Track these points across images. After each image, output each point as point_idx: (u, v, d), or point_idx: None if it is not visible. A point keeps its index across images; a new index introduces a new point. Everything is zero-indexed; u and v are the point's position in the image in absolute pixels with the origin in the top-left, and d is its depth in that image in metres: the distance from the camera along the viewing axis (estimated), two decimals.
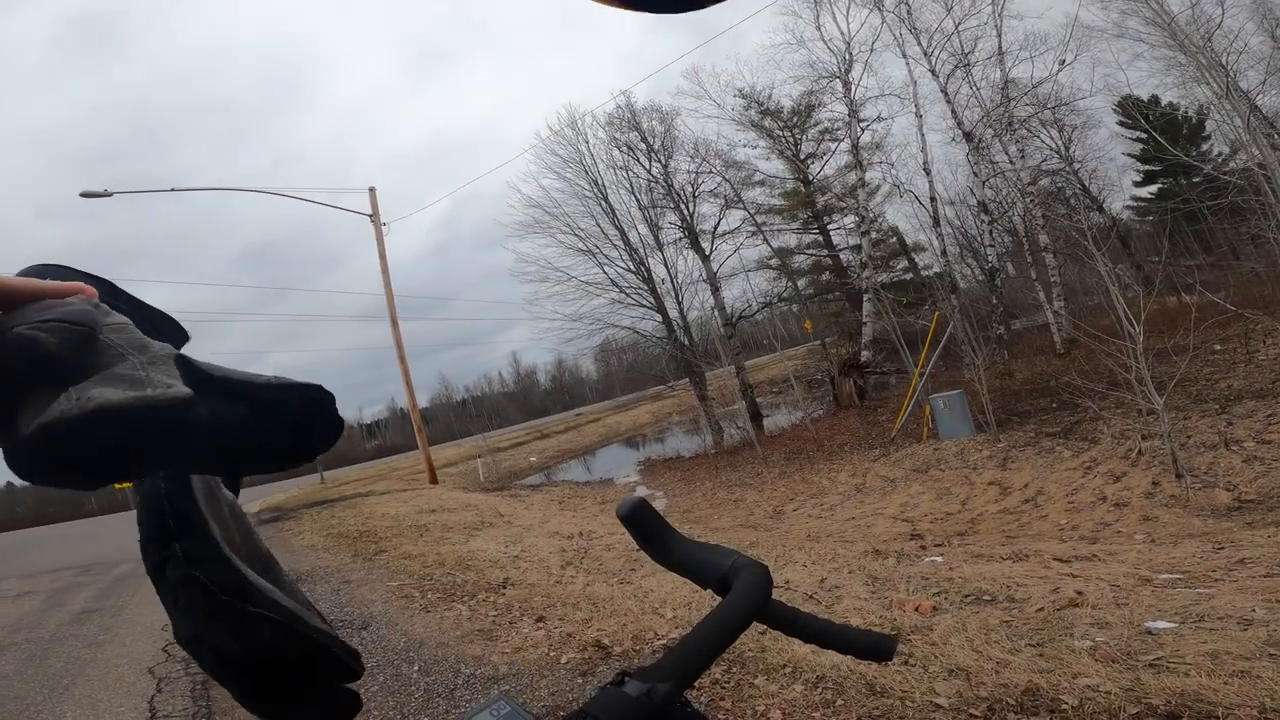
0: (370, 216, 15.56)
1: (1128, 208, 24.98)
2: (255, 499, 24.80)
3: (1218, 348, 9.49)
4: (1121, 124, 21.50)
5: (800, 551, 5.85)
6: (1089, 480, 6.71)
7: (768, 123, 18.50)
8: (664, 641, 3.36)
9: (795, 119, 18.47)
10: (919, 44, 15.26)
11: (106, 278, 0.51)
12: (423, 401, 16.18)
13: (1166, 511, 5.49)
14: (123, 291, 0.50)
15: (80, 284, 0.47)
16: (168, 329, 0.51)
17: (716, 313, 17.63)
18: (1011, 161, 15.69)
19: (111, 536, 16.74)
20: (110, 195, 12.86)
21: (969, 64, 15.09)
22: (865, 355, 16.08)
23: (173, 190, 16.31)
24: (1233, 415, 6.95)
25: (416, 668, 3.61)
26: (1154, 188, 24.22)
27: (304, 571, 6.93)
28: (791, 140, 19.06)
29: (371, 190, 15.74)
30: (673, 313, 17.31)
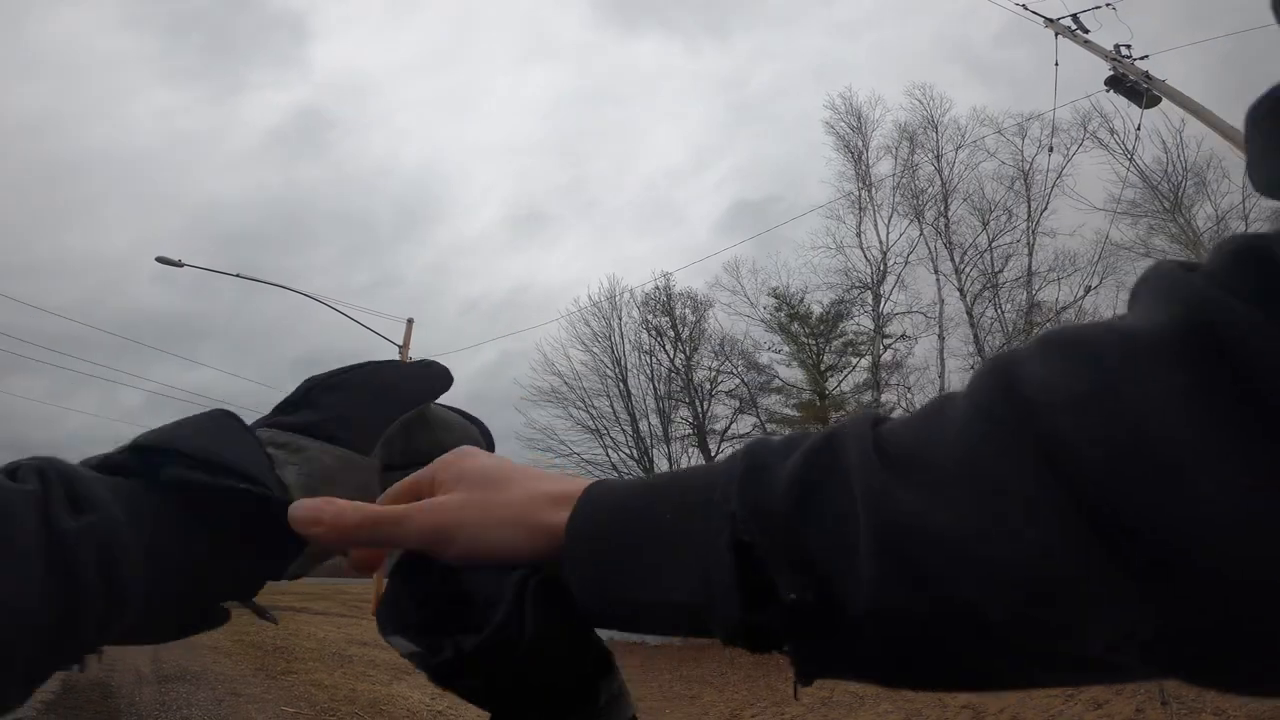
0: (400, 348, 15.92)
1: None
2: None
3: None
4: None
5: None
6: (1069, 707, 6.21)
7: (795, 327, 19.14)
8: None
9: (822, 327, 18.91)
10: (951, 259, 16.11)
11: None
12: None
13: None
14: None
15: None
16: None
17: None
18: None
19: None
20: (182, 266, 13.76)
21: (997, 284, 15.73)
22: None
23: (238, 276, 15.51)
24: None
25: None
26: None
27: (192, 672, 6.27)
28: (815, 349, 19.33)
29: (409, 322, 16.40)
30: None
